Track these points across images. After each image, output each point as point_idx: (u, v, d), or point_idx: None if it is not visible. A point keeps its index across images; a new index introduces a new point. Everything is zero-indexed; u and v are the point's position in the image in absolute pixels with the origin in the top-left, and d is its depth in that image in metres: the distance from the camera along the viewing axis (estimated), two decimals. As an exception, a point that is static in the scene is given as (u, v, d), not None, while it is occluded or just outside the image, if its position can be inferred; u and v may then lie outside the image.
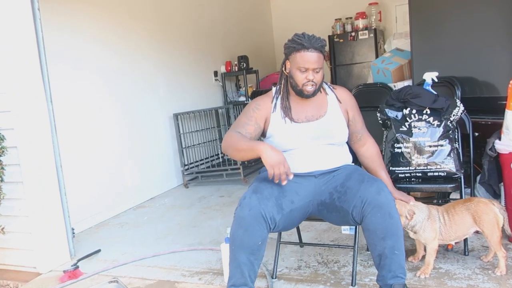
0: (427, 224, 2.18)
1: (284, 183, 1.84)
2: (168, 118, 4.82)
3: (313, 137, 2.05)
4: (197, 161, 4.99)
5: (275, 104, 2.10)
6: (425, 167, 2.41)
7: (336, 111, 2.13)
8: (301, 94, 2.05)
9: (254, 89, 6.17)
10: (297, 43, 2.01)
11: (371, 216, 1.82)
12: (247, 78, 5.92)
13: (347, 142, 2.22)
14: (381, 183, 1.91)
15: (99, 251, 3.07)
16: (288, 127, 2.05)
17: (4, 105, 2.71)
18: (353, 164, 2.24)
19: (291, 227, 2.07)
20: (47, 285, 2.62)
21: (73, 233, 3.07)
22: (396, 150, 2.47)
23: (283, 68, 2.13)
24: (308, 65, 1.98)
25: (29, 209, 2.78)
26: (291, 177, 1.86)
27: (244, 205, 1.86)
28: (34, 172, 2.77)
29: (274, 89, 2.18)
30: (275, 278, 2.35)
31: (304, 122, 2.06)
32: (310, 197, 2.04)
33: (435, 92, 2.57)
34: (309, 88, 2.02)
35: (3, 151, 2.44)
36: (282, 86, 2.13)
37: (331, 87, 2.20)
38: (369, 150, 2.22)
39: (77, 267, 2.71)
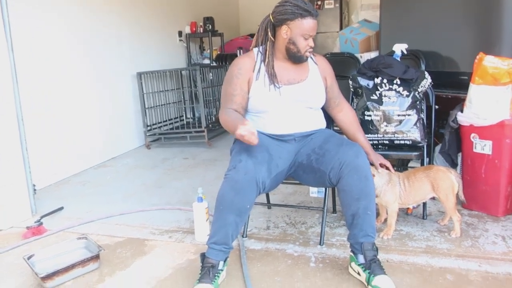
0: (387, 188, 2.30)
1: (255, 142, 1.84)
2: (131, 77, 4.68)
3: (293, 99, 2.08)
4: (160, 122, 4.91)
5: (259, 69, 2.08)
6: (393, 135, 2.52)
7: (316, 77, 2.16)
8: (300, 59, 2.07)
9: (218, 52, 6.08)
10: (303, 10, 1.98)
11: (348, 177, 1.90)
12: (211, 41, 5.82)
13: (323, 109, 2.27)
14: (359, 147, 1.98)
15: (62, 208, 3.00)
16: (271, 88, 2.07)
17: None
18: (328, 129, 2.30)
19: (273, 189, 2.11)
20: (9, 241, 2.55)
21: (34, 190, 2.98)
22: (366, 117, 2.56)
23: (269, 33, 2.08)
24: (313, 33, 2.01)
25: (-12, 163, 2.66)
26: (255, 140, 1.84)
27: (240, 168, 1.86)
28: (-6, 124, 2.65)
29: (255, 50, 2.16)
30: (246, 237, 2.41)
31: (286, 84, 2.08)
32: (291, 160, 2.09)
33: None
34: (308, 54, 2.06)
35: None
36: (267, 52, 2.10)
37: (312, 54, 2.23)
38: (347, 115, 2.28)
39: (41, 223, 2.65)
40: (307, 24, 1.99)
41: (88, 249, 2.30)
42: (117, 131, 4.51)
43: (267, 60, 2.09)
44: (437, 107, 2.81)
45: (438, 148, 2.94)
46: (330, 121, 2.38)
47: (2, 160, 2.70)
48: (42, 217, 2.78)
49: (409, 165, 3.13)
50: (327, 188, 2.38)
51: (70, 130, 3.85)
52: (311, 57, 2.20)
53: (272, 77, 2.07)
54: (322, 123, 2.25)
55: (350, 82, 2.67)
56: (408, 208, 2.63)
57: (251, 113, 2.17)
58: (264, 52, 2.12)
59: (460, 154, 2.75)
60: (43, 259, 2.21)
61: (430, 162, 2.75)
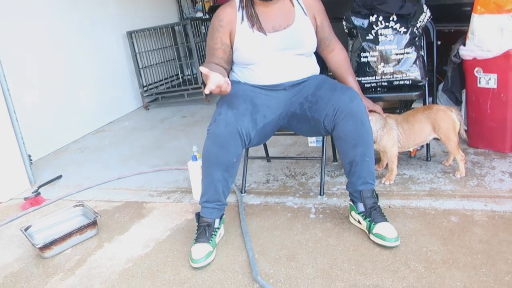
0: (383, 133, 2.20)
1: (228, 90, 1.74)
2: (121, 37, 4.52)
3: (281, 47, 1.95)
4: (156, 82, 4.79)
5: (242, 14, 1.96)
6: (391, 76, 2.38)
7: (303, 19, 2.01)
8: None
9: (211, 4, 5.85)
10: None
11: (343, 124, 1.80)
12: (203, -8, 5.58)
13: (315, 52, 2.14)
14: (354, 92, 1.87)
15: (60, 176, 2.97)
16: (256, 37, 1.93)
17: None
18: (321, 74, 2.18)
19: (263, 141, 2.03)
20: (8, 213, 2.53)
21: (30, 160, 2.94)
22: (363, 59, 2.41)
23: None
24: None
25: (-22, 137, 2.61)
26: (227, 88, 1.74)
27: (220, 122, 1.78)
28: (-22, 97, 2.57)
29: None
30: (244, 192, 2.36)
31: (271, 32, 1.94)
32: (281, 109, 1.99)
33: (401, -2, 2.49)
34: None
35: None
36: None
37: None
38: (338, 55, 2.15)
39: (39, 193, 2.62)
40: None
41: (85, 216, 2.27)
42: (113, 94, 4.41)
43: (244, 2, 1.95)
44: (439, 42, 2.66)
45: (441, 86, 2.80)
46: (324, 67, 2.25)
47: (-8, 133, 2.64)
48: (39, 187, 2.75)
49: (413, 106, 3.01)
50: (325, 137, 2.29)
51: (65, 97, 3.77)
52: None
53: (253, 18, 1.93)
54: (315, 70, 2.12)
55: (344, 22, 2.51)
56: (412, 150, 2.54)
57: (238, 65, 2.06)
58: None
59: (464, 90, 2.62)
60: (41, 229, 2.19)
61: (434, 101, 2.64)
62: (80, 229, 2.10)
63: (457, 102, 2.66)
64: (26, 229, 2.14)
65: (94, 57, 4.15)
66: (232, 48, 2.01)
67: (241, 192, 2.34)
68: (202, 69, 1.71)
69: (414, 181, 2.26)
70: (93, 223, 2.15)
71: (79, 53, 3.95)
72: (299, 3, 2.03)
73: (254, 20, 1.95)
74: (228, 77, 2.19)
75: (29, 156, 2.92)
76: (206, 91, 1.69)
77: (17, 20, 3.32)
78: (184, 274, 1.75)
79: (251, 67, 2.01)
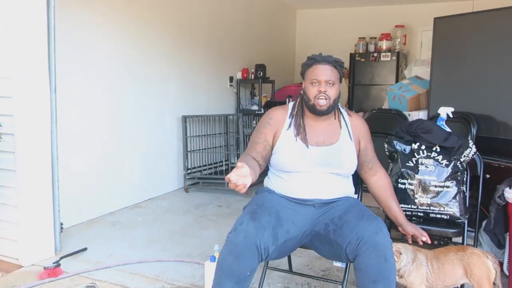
0: (412, 268, 2.06)
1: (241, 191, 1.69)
2: (176, 119, 4.75)
3: (320, 163, 1.96)
4: (200, 166, 4.90)
5: (291, 122, 2.03)
6: (428, 208, 2.29)
7: (347, 142, 2.03)
8: (313, 109, 1.97)
9: (268, 99, 6.09)
10: (310, 59, 2.01)
11: (365, 256, 1.72)
12: (263, 87, 5.84)
13: (355, 173, 2.13)
14: (381, 223, 1.80)
15: (85, 249, 3.00)
16: (297, 146, 1.97)
17: (5, 91, 2.66)
18: (355, 197, 2.13)
19: (283, 256, 1.98)
20: (26, 279, 2.55)
21: (62, 228, 3.01)
22: (400, 185, 2.36)
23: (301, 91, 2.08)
24: (320, 77, 1.94)
25: (19, 199, 2.72)
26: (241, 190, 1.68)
27: (240, 232, 1.75)
28: (28, 161, 2.72)
29: (291, 104, 2.11)
30: (257, 304, 2.24)
31: (313, 145, 1.97)
32: (306, 227, 1.94)
33: (448, 129, 2.46)
34: (322, 102, 1.94)
35: (-3, 139, 2.38)
36: (297, 104, 2.08)
37: (348, 113, 2.11)
38: (381, 179, 2.13)
39: (59, 265, 2.63)
40: (312, 71, 1.99)
41: (94, 299, 2.25)
42: (158, 172, 4.54)
43: (296, 110, 2.04)
44: (487, 176, 2.55)
45: (484, 224, 2.64)
46: (358, 182, 2.21)
47: (32, 197, 2.75)
48: (61, 258, 2.77)
49: (454, 240, 2.83)
50: (349, 260, 2.18)
51: (110, 168, 3.92)
52: (346, 116, 2.08)
53: (300, 127, 1.99)
54: (349, 191, 2.09)
55: (386, 145, 2.50)
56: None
57: (274, 171, 2.08)
58: (294, 105, 2.09)
59: (507, 234, 2.45)
60: (48, 305, 2.18)
61: (475, 241, 2.48)
62: (84, 314, 2.07)
63: (500, 246, 2.48)
64: (34, 303, 2.14)
65: (147, 134, 4.35)
66: (272, 148, 2.04)
67: (253, 304, 2.24)
68: (240, 164, 1.69)
69: (441, 328, 2.06)
70: (98, 310, 2.11)
71: (132, 127, 4.16)
72: (347, 126, 2.06)
73: (300, 130, 2.00)
74: (261, 173, 2.16)
75: (61, 224, 3.00)
76: (227, 178, 1.65)
77: (76, 84, 3.57)
78: None
79: (284, 176, 2.01)
